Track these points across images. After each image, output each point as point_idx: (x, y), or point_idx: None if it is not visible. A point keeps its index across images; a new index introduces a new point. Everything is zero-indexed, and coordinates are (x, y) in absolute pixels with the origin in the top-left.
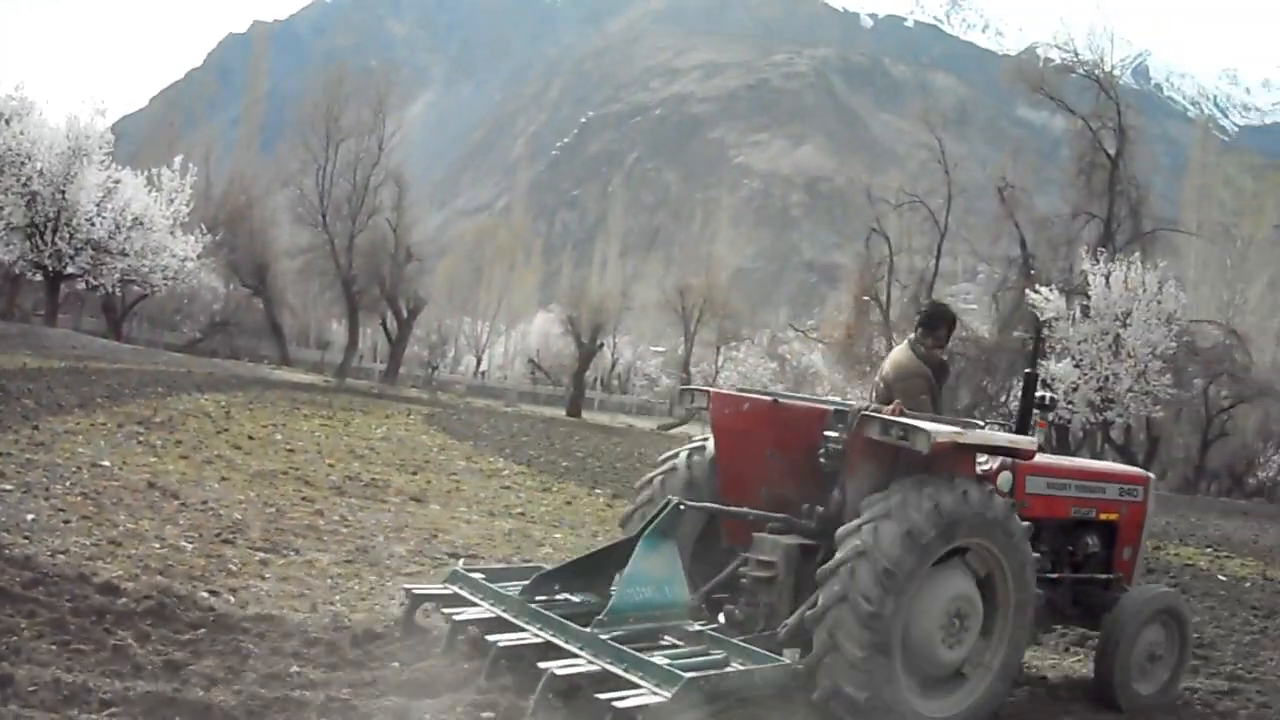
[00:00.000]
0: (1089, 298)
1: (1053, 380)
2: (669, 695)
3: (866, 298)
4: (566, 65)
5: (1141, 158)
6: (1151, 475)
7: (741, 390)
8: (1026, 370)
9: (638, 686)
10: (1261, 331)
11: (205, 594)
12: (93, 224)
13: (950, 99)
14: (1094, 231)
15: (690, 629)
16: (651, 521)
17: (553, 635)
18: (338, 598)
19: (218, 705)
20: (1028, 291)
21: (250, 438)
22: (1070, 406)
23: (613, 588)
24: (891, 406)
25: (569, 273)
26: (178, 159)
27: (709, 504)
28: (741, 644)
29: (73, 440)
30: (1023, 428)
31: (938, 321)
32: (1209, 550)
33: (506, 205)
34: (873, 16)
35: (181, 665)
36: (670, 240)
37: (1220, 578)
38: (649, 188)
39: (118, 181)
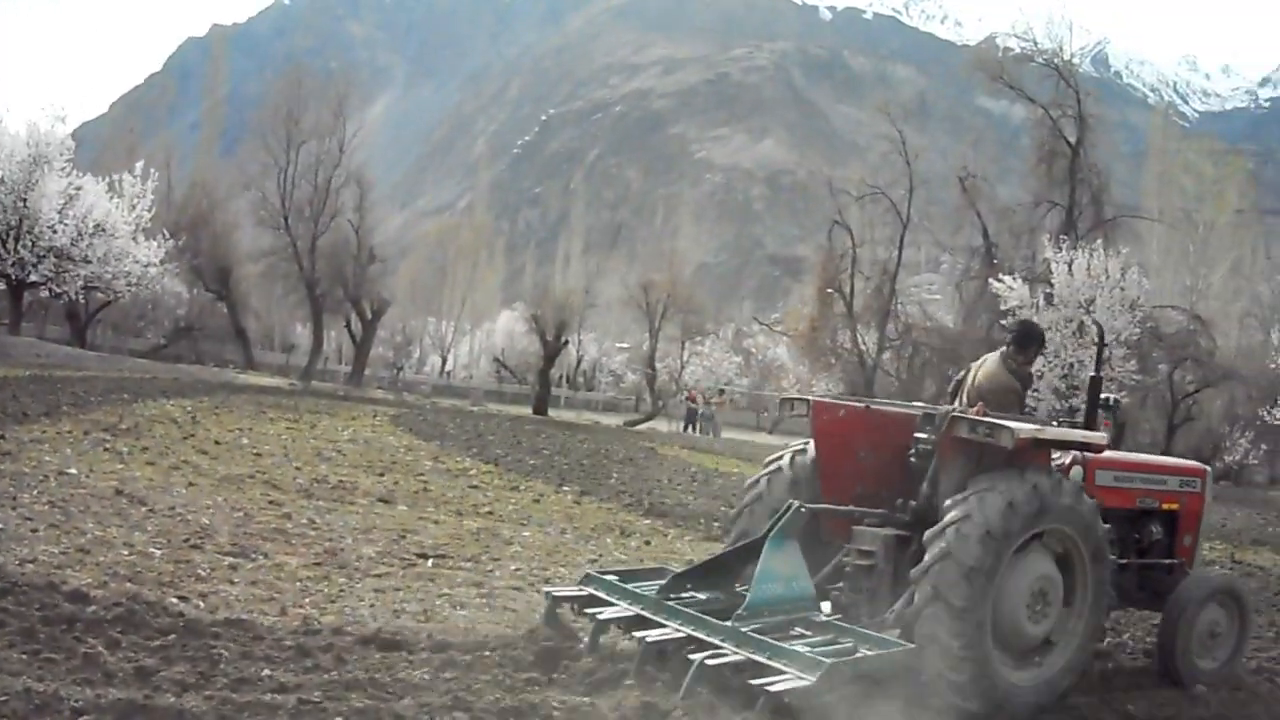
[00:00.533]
0: (1052, 285)
1: None
2: (813, 679)
3: (830, 290)
4: (526, 64)
5: (1102, 145)
6: (1208, 468)
7: (838, 398)
8: (1092, 375)
9: (783, 673)
10: (1225, 316)
11: (174, 600)
12: (55, 231)
13: (910, 90)
14: (1056, 219)
15: (817, 619)
16: (776, 523)
17: (694, 630)
18: (307, 600)
19: (189, 711)
20: (991, 280)
21: (217, 442)
22: (1036, 394)
23: (739, 586)
24: (975, 409)
25: (532, 271)
26: (139, 164)
27: (820, 505)
28: (866, 632)
29: (39, 448)
30: (1090, 426)
31: (1029, 341)
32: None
33: (468, 204)
34: (832, 9)
35: (152, 672)
36: (633, 236)
37: None
38: (610, 184)
39: (79, 188)
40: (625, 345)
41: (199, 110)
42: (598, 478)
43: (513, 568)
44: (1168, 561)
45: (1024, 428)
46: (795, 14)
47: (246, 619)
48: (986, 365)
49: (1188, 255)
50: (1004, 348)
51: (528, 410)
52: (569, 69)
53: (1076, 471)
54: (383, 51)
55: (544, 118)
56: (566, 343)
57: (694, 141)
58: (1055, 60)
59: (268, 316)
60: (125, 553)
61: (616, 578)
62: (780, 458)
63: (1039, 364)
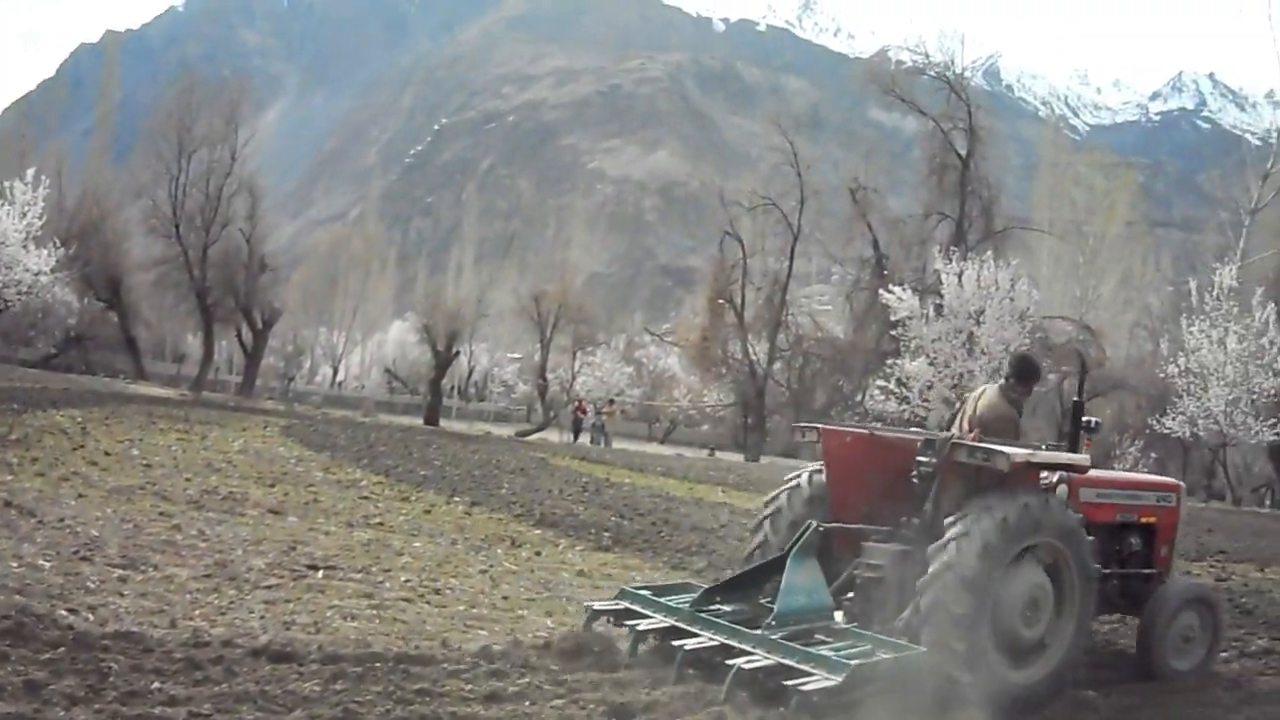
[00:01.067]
0: (942, 296)
1: (907, 379)
2: (840, 679)
3: (721, 300)
4: (420, 73)
5: (993, 158)
6: (1182, 484)
7: (846, 426)
8: (1075, 399)
9: (812, 675)
10: (1115, 326)
11: (64, 612)
12: None
13: (803, 102)
14: (946, 231)
15: (837, 627)
16: (796, 542)
17: (727, 639)
18: (197, 612)
19: None
20: (881, 291)
21: (107, 453)
22: (925, 404)
23: (763, 599)
24: (972, 435)
25: (424, 281)
26: (30, 171)
27: (836, 524)
28: (881, 637)
29: None
30: (1074, 448)
31: (1028, 374)
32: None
33: (361, 214)
34: (725, 21)
35: (42, 685)
36: (525, 247)
37: None
38: (503, 195)
39: None
40: (517, 355)
41: (92, 117)
42: (489, 488)
43: (403, 579)
44: (1146, 571)
45: (1017, 452)
46: (689, 26)
47: (136, 631)
48: (987, 396)
49: (1077, 267)
50: (1003, 380)
51: (419, 421)
52: (463, 79)
53: (1062, 490)
54: (276, 59)
55: (437, 127)
56: (458, 353)
57: (587, 152)
58: (947, 73)
59: (159, 326)
60: (14, 565)
61: (650, 592)
62: (798, 477)
63: (927, 374)
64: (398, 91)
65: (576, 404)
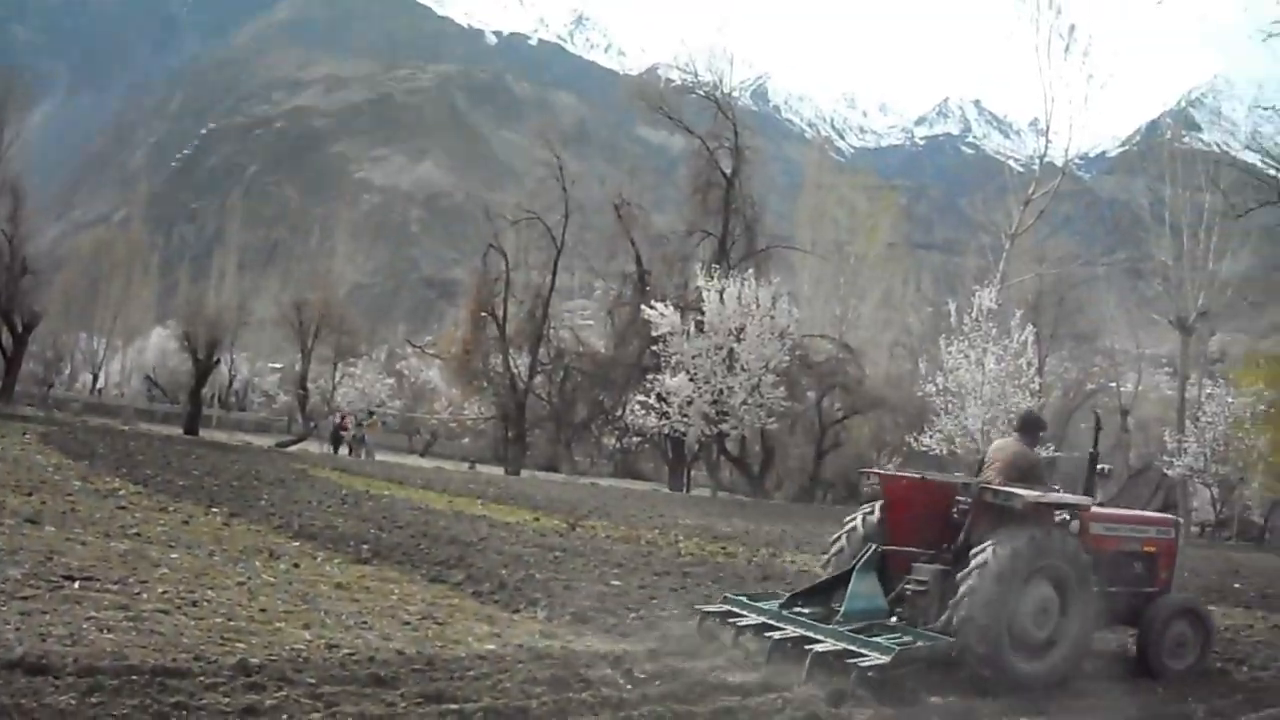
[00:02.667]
0: (703, 313)
1: (668, 394)
2: (889, 659)
3: (484, 313)
4: (190, 75)
5: (757, 177)
6: (1179, 519)
7: (902, 473)
8: (1090, 451)
9: (868, 656)
10: (874, 345)
11: None
12: None
13: (571, 117)
14: (709, 248)
15: (890, 624)
16: (859, 560)
17: (807, 631)
18: None
19: None
20: (643, 307)
21: None
22: (685, 419)
23: (833, 604)
24: (998, 480)
25: (186, 287)
26: None
27: (891, 547)
28: (922, 632)
29: None
30: (1089, 491)
31: (1036, 426)
32: (825, 556)
33: (125, 217)
34: (497, 34)
35: None
36: (289, 255)
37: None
38: (269, 202)
39: None
40: (278, 365)
41: None
42: (248, 499)
43: (161, 590)
44: (1148, 590)
45: (1030, 494)
46: (460, 37)
47: None
48: (1010, 448)
49: (839, 286)
50: (1015, 434)
51: (179, 430)
52: (232, 82)
53: (1075, 525)
54: (45, 57)
55: (204, 131)
56: (218, 361)
57: (354, 161)
58: (715, 93)
59: None
60: None
61: (746, 598)
62: (857, 517)
63: (688, 390)
64: (167, 93)
65: (340, 418)
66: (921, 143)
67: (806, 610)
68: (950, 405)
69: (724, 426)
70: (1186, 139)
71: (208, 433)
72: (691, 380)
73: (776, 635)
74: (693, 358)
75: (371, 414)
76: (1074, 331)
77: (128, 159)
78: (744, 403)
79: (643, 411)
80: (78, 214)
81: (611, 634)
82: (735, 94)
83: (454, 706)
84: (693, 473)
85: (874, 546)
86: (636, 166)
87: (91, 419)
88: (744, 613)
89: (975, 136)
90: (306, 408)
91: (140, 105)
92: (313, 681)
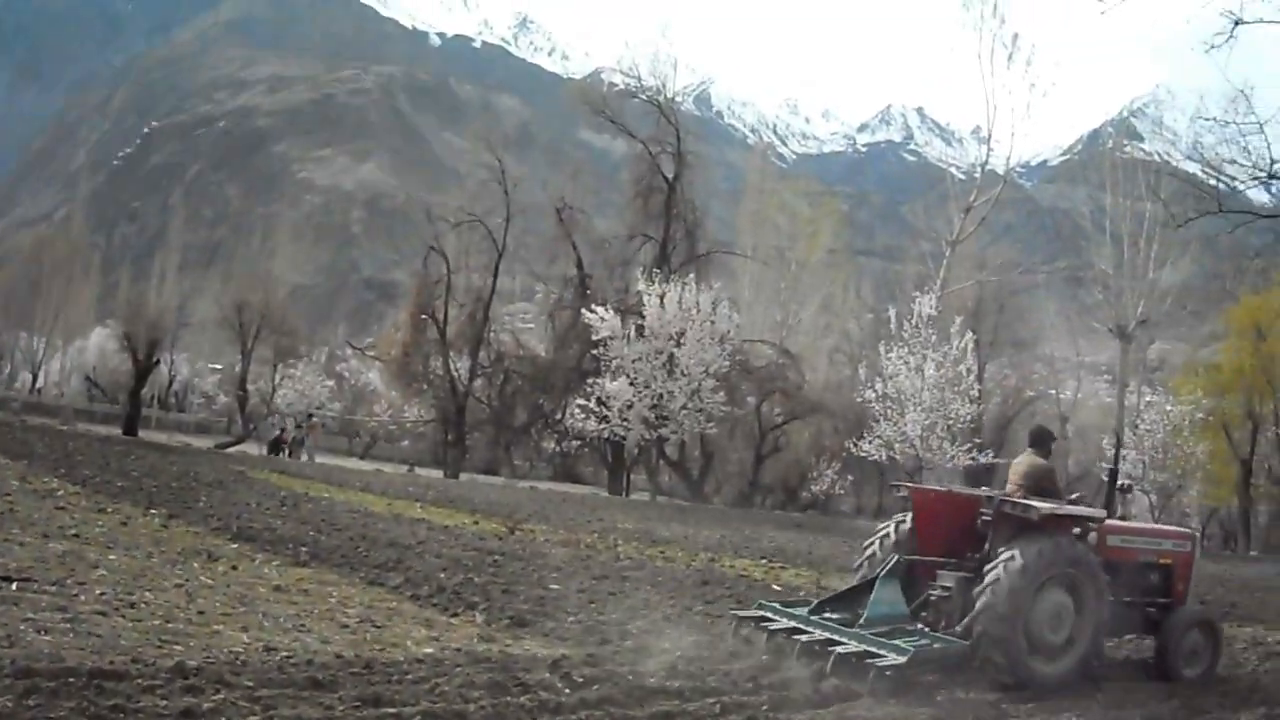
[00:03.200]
0: (644, 317)
1: (607, 398)
2: (905, 659)
3: (424, 316)
4: (133, 73)
5: (699, 182)
6: (1196, 533)
7: (930, 486)
8: (1110, 468)
9: (886, 656)
10: (814, 351)
11: None
12: None
13: (514, 120)
14: (650, 253)
15: (911, 628)
16: (883, 569)
17: (833, 634)
18: None
19: None
20: (583, 311)
21: None
22: (625, 424)
23: (858, 610)
24: (1018, 493)
25: (127, 287)
26: None
27: (917, 556)
28: (939, 635)
29: None
30: (1109, 505)
31: (1047, 439)
32: (764, 561)
33: (66, 216)
34: (441, 35)
35: None
36: (230, 255)
37: (775, 588)
38: (210, 202)
39: None
40: (218, 366)
41: None
42: (186, 501)
43: (99, 592)
44: (1163, 601)
45: (1045, 506)
46: (404, 38)
47: None
48: (1026, 462)
49: (779, 292)
50: (1030, 449)
51: (118, 430)
52: (175, 81)
53: (1092, 536)
54: None
55: (147, 130)
56: (158, 362)
57: (296, 161)
58: (658, 97)
59: None
60: None
61: (779, 604)
62: (888, 526)
63: (628, 394)
64: (109, 91)
65: (279, 430)
66: (864, 149)
67: (834, 616)
68: (890, 411)
69: (664, 431)
70: (1128, 148)
71: (147, 433)
72: (631, 384)
73: (805, 638)
74: (633, 362)
75: (311, 416)
76: (1014, 338)
77: (69, 157)
78: (684, 407)
79: (582, 415)
80: (19, 212)
81: (550, 638)
82: (678, 99)
83: (392, 710)
84: (632, 477)
85: (897, 558)
86: (579, 170)
87: (30, 418)
88: (776, 617)
89: (917, 143)
90: (246, 409)
91: (82, 103)
92: (250, 684)
